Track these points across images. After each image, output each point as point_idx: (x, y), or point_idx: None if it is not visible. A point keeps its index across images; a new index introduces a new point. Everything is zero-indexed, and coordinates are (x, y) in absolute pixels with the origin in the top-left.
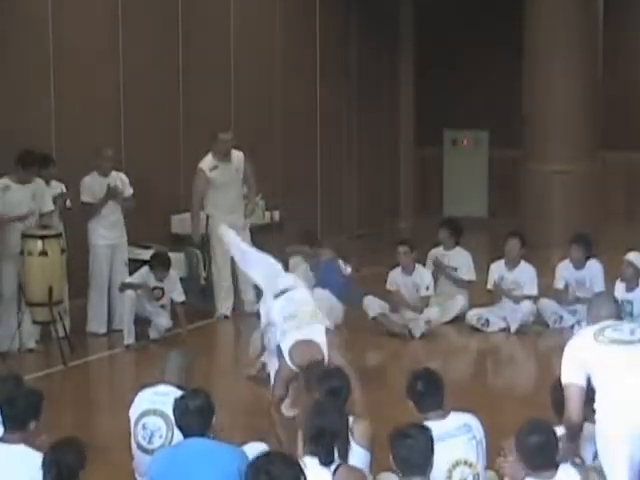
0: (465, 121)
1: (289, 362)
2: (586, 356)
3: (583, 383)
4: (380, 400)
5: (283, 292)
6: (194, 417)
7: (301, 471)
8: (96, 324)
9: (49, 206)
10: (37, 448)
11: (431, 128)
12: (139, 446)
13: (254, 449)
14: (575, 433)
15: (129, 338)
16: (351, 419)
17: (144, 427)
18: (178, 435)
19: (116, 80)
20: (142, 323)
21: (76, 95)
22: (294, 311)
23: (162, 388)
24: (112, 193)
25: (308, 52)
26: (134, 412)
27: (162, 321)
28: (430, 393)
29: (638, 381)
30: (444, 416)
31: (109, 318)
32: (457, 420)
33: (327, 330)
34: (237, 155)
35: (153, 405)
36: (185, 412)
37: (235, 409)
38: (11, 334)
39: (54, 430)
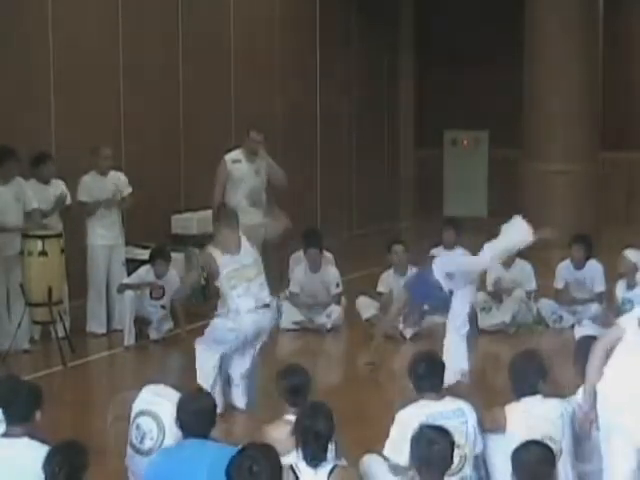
0: (465, 121)
1: None
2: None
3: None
4: (373, 401)
5: None
6: (197, 418)
7: (280, 462)
8: (95, 324)
9: (34, 204)
10: (40, 440)
11: (431, 129)
12: (131, 444)
13: None
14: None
15: (129, 339)
16: None
17: (138, 427)
18: (169, 438)
19: (116, 80)
20: (142, 323)
21: (76, 95)
22: None
23: (161, 389)
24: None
25: (308, 52)
26: (133, 409)
27: (162, 321)
28: (429, 376)
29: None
30: (439, 398)
31: (108, 318)
32: (452, 404)
33: None
34: (265, 159)
35: (148, 406)
36: (188, 413)
37: (234, 409)
38: (9, 335)
39: (53, 431)
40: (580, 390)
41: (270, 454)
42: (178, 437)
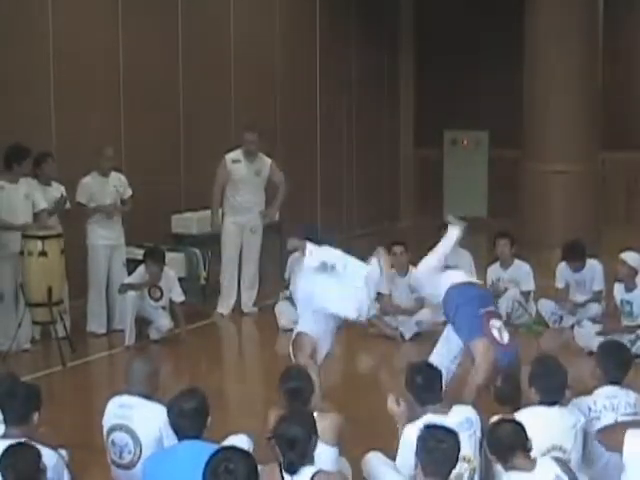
0: (465, 121)
1: None
2: None
3: None
4: (372, 400)
5: None
6: (188, 419)
7: (256, 463)
8: (96, 324)
9: (42, 204)
10: (38, 442)
11: (431, 129)
12: (112, 461)
13: (236, 442)
14: None
15: (130, 339)
16: (316, 414)
17: (113, 443)
18: (147, 449)
19: (116, 80)
20: (142, 323)
21: (76, 95)
22: None
23: (126, 399)
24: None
25: (308, 52)
26: (104, 425)
27: (162, 321)
28: (429, 386)
29: None
30: (446, 411)
31: (109, 318)
32: (459, 416)
33: None
34: (264, 160)
35: (119, 420)
36: (179, 414)
37: (234, 409)
38: (10, 334)
39: (53, 431)
40: (597, 391)
41: (245, 454)
42: (157, 443)
